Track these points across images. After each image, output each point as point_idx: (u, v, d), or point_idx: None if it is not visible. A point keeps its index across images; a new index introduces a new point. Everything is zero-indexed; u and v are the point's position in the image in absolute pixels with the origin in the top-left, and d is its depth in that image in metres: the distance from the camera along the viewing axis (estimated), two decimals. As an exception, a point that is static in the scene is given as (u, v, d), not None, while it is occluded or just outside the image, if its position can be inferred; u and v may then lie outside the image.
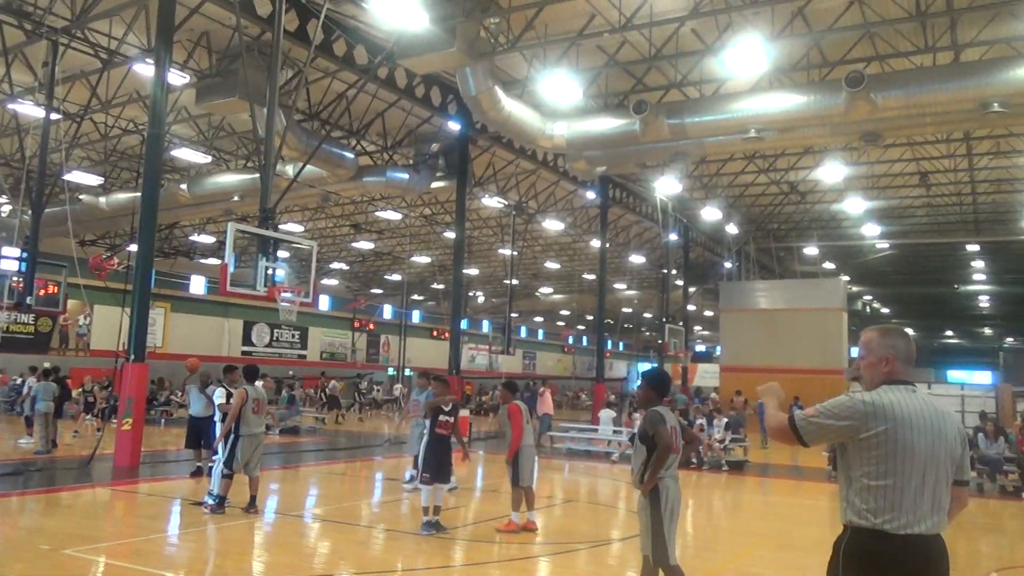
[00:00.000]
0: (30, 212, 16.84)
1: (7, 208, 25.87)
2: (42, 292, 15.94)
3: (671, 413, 5.59)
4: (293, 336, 45.43)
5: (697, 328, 54.48)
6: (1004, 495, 14.82)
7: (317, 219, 33.08)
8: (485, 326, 55.08)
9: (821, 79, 16.94)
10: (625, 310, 51.86)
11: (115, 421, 14.42)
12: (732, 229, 32.85)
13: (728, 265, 36.11)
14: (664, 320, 32.28)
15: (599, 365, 29.98)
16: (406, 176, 22.01)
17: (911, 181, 26.23)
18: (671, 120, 16.53)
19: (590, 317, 56.89)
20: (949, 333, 70.74)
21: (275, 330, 43.99)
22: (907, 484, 2.81)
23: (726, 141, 17.21)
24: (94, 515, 10.22)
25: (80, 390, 24.16)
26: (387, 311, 52.50)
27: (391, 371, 49.49)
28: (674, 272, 34.29)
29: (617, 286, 44.10)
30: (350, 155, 20.51)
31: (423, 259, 40.12)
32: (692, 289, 38.17)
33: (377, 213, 29.83)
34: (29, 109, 17.83)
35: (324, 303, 46.21)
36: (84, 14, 14.81)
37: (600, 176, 25.06)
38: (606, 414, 20.86)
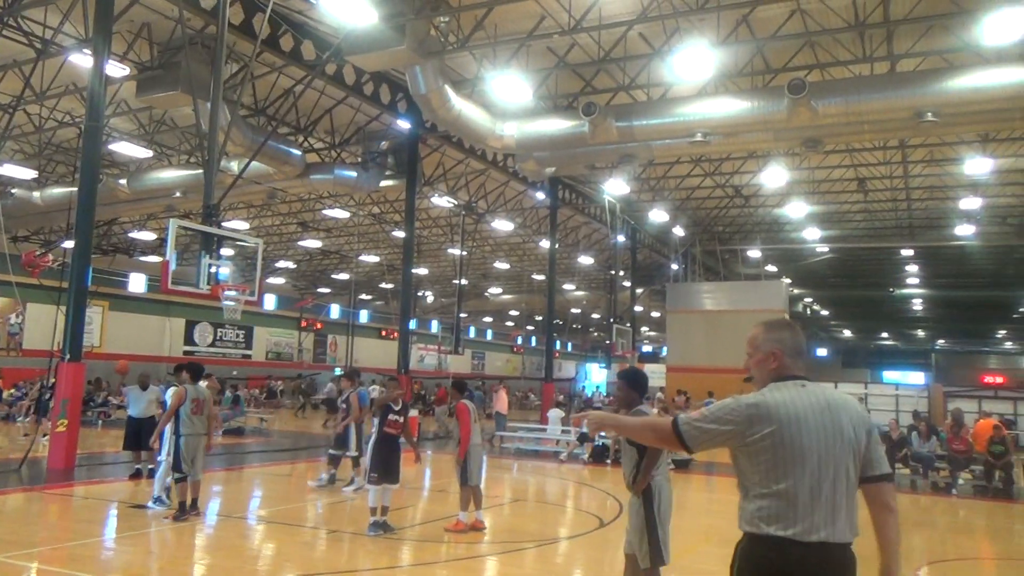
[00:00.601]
0: (-41, 206, 16.19)
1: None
2: (-29, 289, 15.34)
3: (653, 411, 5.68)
4: (238, 336, 44.53)
5: (644, 328, 55.21)
6: (936, 491, 15.37)
7: (263, 217, 32.52)
8: (434, 326, 54.88)
9: (765, 85, 17.34)
10: (574, 310, 52.26)
11: (48, 422, 13.95)
12: (679, 231, 33.39)
13: (675, 267, 36.68)
14: (612, 320, 32.63)
15: (548, 365, 30.14)
16: (354, 174, 21.80)
17: (850, 187, 27.01)
18: (619, 123, 16.71)
19: (539, 317, 57.10)
20: (885, 335, 73.03)
21: (219, 329, 43.07)
22: (799, 488, 2.56)
23: (673, 144, 17.47)
24: (27, 520, 9.87)
25: (11, 392, 23.35)
26: (335, 311, 51.89)
27: (338, 371, 48.91)
28: (622, 273, 34.67)
29: (566, 287, 44.41)
30: (297, 152, 20.22)
31: (372, 258, 39.78)
32: (639, 290, 38.64)
33: (325, 211, 29.47)
34: (-42, 98, 17.16)
35: (270, 302, 45.48)
36: (17, 0, 14.31)
37: (550, 177, 25.20)
38: (555, 413, 21.00)
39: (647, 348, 55.48)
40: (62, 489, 11.53)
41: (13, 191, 23.82)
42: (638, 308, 40.42)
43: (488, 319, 63.43)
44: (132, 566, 7.55)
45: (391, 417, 8.93)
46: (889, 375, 50.91)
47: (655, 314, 48.28)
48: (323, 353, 51.23)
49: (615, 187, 24.78)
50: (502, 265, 41.31)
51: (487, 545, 8.62)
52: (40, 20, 15.33)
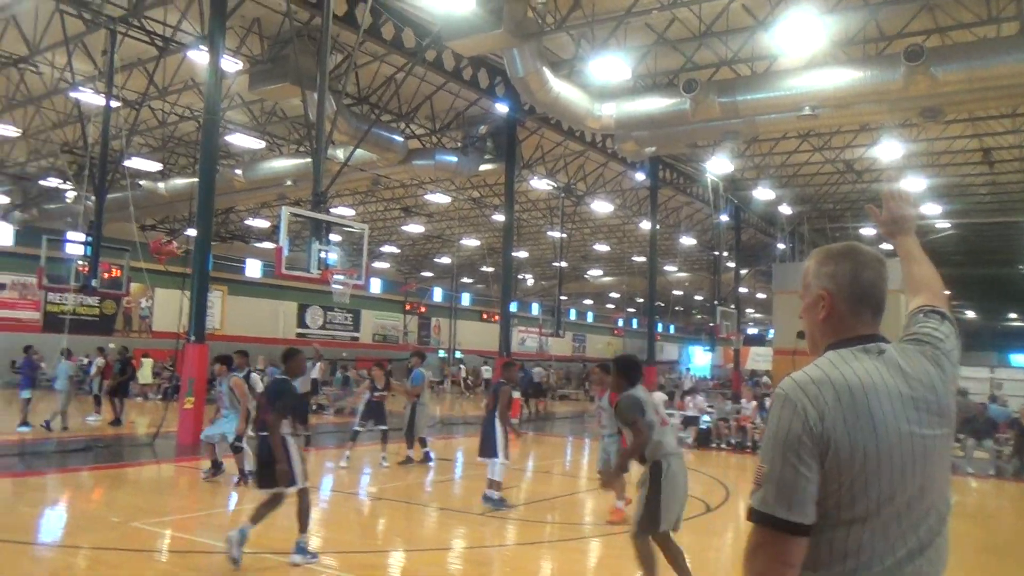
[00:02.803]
0: (94, 198, 17.39)
1: (72, 194, 26.78)
2: (106, 275, 16.51)
3: (648, 393, 5.66)
4: (346, 319, 46.17)
5: (749, 311, 53.72)
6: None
7: (368, 203, 33.45)
8: (535, 309, 55.15)
9: (878, 54, 16.43)
10: (676, 292, 51.37)
11: (177, 400, 14.91)
12: (785, 209, 32.21)
13: (781, 246, 35.46)
14: (716, 302, 31.90)
15: (650, 348, 29.80)
16: (454, 159, 22.11)
17: (973, 158, 25.34)
18: (722, 99, 16.26)
19: (640, 300, 56.48)
20: (1013, 316, 68.36)
21: (329, 313, 44.76)
22: (881, 513, 1.66)
23: (779, 119, 16.86)
24: (159, 490, 10.61)
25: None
26: (437, 294, 52.93)
27: (442, 354, 49.96)
28: (726, 254, 33.82)
29: (668, 268, 43.70)
30: (399, 138, 20.67)
31: (472, 242, 40.29)
32: (744, 271, 37.60)
33: (426, 196, 30.04)
34: (90, 97, 18.37)
35: (376, 286, 46.80)
36: (140, 2, 15.19)
37: (650, 157, 24.79)
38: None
39: (752, 330, 54.03)
40: (190, 462, 12.32)
41: (141, 183, 25.38)
42: (743, 289, 39.37)
43: (588, 301, 63.18)
44: (254, 535, 7.99)
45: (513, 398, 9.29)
46: (1017, 358, 47.73)
47: (761, 295, 46.89)
48: (427, 336, 52.40)
49: (718, 165, 24.13)
50: (602, 247, 41.03)
51: (591, 527, 8.64)
52: (160, 19, 16.23)
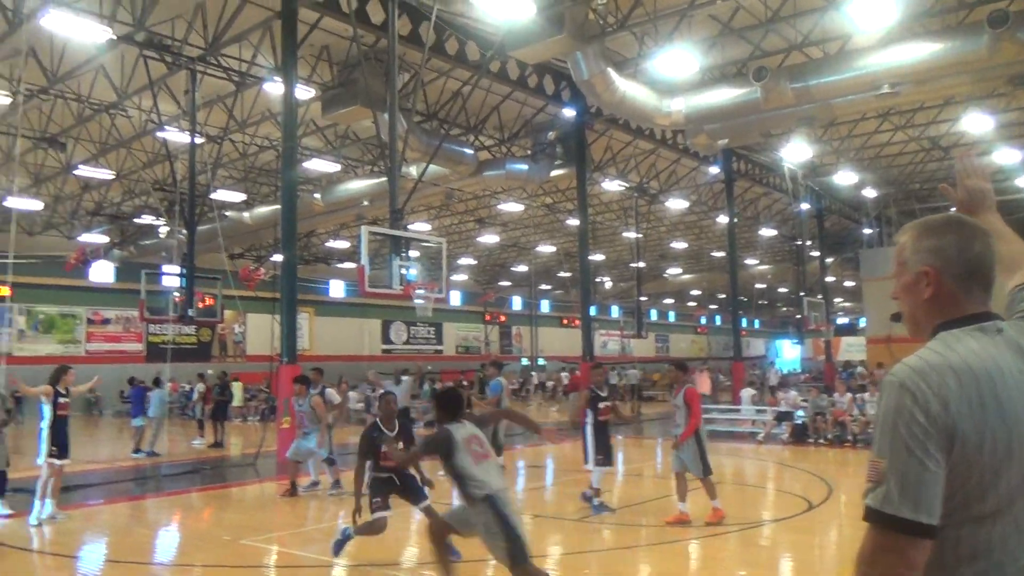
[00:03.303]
0: (185, 231, 18.20)
1: (165, 229, 28.10)
2: (201, 304, 17.24)
3: (466, 427, 5.42)
4: (429, 332, 46.90)
5: (837, 300, 51.91)
6: None
7: (443, 216, 33.92)
8: (614, 311, 54.73)
9: (959, 23, 15.71)
10: (759, 286, 50.13)
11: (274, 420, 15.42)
12: (869, 193, 31.06)
13: (868, 231, 34.19)
14: (802, 294, 30.98)
15: (736, 344, 29.16)
16: (525, 167, 22.21)
17: (1073, 123, 23.91)
18: (795, 84, 15.84)
19: (722, 296, 55.39)
20: None
21: (411, 327, 45.57)
22: (1015, 507, 1.51)
23: (857, 100, 16.32)
24: (264, 507, 10.98)
25: (244, 394, 25.93)
26: (516, 302, 53.17)
27: (524, 361, 50.13)
28: (809, 243, 32.83)
29: (749, 261, 42.74)
30: (469, 151, 20.91)
31: (548, 248, 40.34)
32: (830, 259, 36.41)
33: (499, 206, 30.25)
34: (176, 136, 19.27)
35: (456, 298, 47.38)
36: (216, 41, 15.84)
37: (723, 149, 24.34)
38: (747, 393, 20.33)
39: (843, 320, 52.22)
40: (286, 479, 12.69)
41: (227, 214, 26.43)
42: (829, 278, 38.11)
43: (669, 300, 62.33)
44: (354, 548, 8.19)
45: (601, 404, 9.26)
46: None
47: (849, 284, 45.30)
48: (509, 345, 52.69)
49: (794, 153, 23.49)
50: (680, 244, 40.45)
51: (687, 529, 8.49)
52: (236, 56, 16.90)
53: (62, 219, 30.18)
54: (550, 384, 39.21)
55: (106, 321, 33.62)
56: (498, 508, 5.15)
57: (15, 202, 24.23)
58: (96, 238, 30.99)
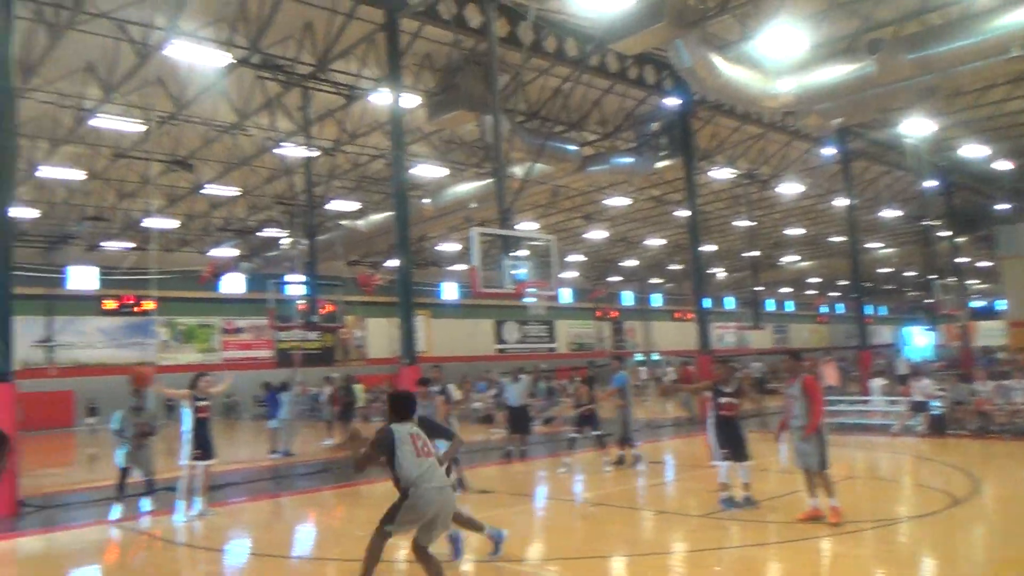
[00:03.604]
0: (306, 241, 19.07)
1: (287, 240, 29.52)
2: (323, 311, 18.02)
3: (407, 427, 6.07)
4: (541, 331, 47.20)
5: (972, 282, 48.65)
6: None
7: (549, 214, 34.03)
8: (729, 303, 53.36)
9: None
10: (883, 270, 47.68)
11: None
12: (1003, 164, 28.94)
13: (1003, 207, 31.85)
14: (932, 276, 29.23)
15: (860, 332, 27.82)
16: (630, 160, 21.98)
17: None
18: (912, 55, 14.97)
19: (844, 282, 52.97)
20: None
21: (524, 326, 45.97)
22: None
23: (983, 67, 15.22)
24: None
25: (366, 395, 26.90)
26: (627, 297, 52.68)
27: (638, 356, 49.62)
28: (937, 222, 30.93)
29: (871, 245, 40.70)
30: (573, 147, 20.89)
31: (657, 241, 39.77)
32: (961, 239, 34.18)
33: (605, 201, 30.07)
34: (292, 151, 20.20)
35: (567, 295, 47.42)
36: (325, 57, 16.51)
37: (837, 129, 23.28)
38: (876, 384, 19.37)
39: (978, 303, 48.86)
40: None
41: (343, 223, 27.47)
42: (962, 259, 35.78)
43: (786, 289, 60.16)
44: (484, 543, 8.36)
45: (724, 400, 9.03)
46: None
47: (984, 264, 42.38)
48: (622, 340, 52.28)
49: (916, 127, 22.19)
50: (795, 231, 38.98)
51: (821, 526, 8.15)
52: (343, 70, 17.55)
53: (195, 236, 32.21)
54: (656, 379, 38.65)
55: (239, 330, 35.66)
56: (407, 497, 5.88)
57: (153, 222, 26.14)
58: (226, 252, 32.94)
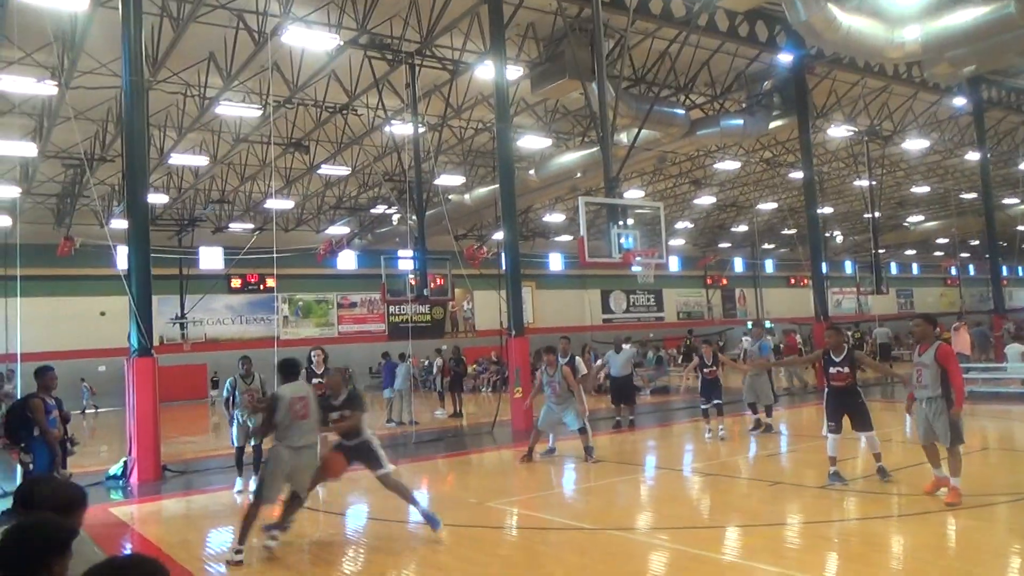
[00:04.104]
0: (415, 217, 19.46)
1: (396, 216, 30.25)
2: (433, 285, 18.36)
3: (295, 387, 6.97)
4: (649, 299, 46.59)
5: None
6: None
7: (656, 182, 33.39)
8: (848, 267, 50.86)
9: None
10: (1021, 228, 44.26)
11: (507, 391, 16.17)
12: None
13: None
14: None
15: (996, 294, 26.08)
16: (740, 122, 21.25)
17: None
18: (1059, -10, 13.70)
19: (975, 243, 49.56)
20: None
21: (631, 296, 45.50)
22: None
23: None
24: (504, 473, 11.57)
25: (473, 367, 27.46)
26: (738, 264, 51.19)
27: (750, 324, 48.23)
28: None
29: (1007, 201, 37.82)
30: (680, 112, 20.37)
31: (769, 205, 38.39)
32: (1113, 190, 31.29)
33: (715, 166, 29.21)
34: (400, 129, 20.59)
35: (674, 264, 46.56)
36: (430, 34, 16.67)
37: (968, 77, 21.65)
38: (1014, 350, 18.10)
39: None
40: (526, 447, 13.25)
41: (450, 197, 27.87)
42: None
43: (911, 252, 56.87)
44: (595, 512, 8.41)
45: (832, 369, 8.64)
46: None
47: None
48: (732, 308, 50.95)
49: (1062, 70, 20.37)
50: (920, 189, 36.70)
51: (935, 500, 7.71)
52: (448, 45, 17.68)
53: (310, 215, 33.49)
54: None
55: (353, 304, 36.97)
56: (271, 453, 6.75)
57: (273, 203, 27.35)
58: (339, 230, 34.13)
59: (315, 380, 10.53)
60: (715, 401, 12.99)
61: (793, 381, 21.27)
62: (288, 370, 7.15)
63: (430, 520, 7.18)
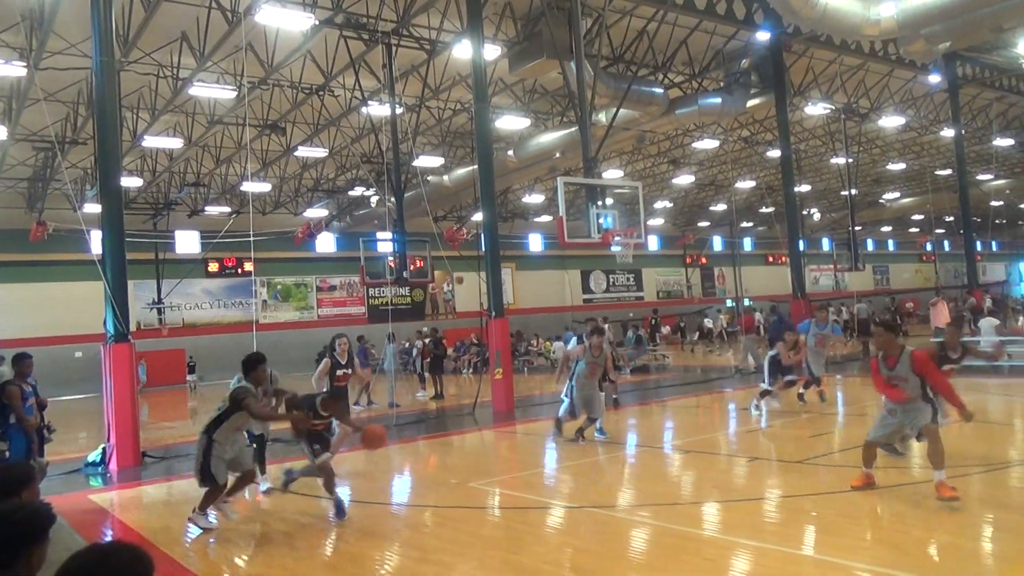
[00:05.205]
0: (393, 199, 19.35)
1: (375, 198, 30.04)
2: (413, 267, 18.31)
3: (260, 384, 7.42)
4: (628, 279, 46.75)
5: (1096, 212, 45.25)
6: None
7: (635, 161, 33.41)
8: (825, 244, 51.28)
9: None
10: (994, 204, 44.82)
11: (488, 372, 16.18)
12: None
13: None
14: (1049, 208, 27.34)
15: (969, 269, 26.47)
16: (719, 100, 21.26)
17: None
18: (1033, -33, 13.79)
19: (950, 218, 50.14)
20: None
21: (611, 276, 45.64)
22: None
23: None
24: (485, 453, 11.63)
25: (451, 351, 27.43)
26: (716, 243, 51.45)
27: (729, 303, 48.58)
28: (1056, 149, 28.78)
29: (981, 177, 38.27)
30: (659, 90, 20.33)
31: (748, 184, 38.56)
32: (1084, 166, 31.74)
33: (694, 145, 29.25)
34: (377, 110, 20.40)
35: (653, 243, 46.70)
36: (406, 13, 16.49)
37: (944, 54, 21.79)
38: (987, 323, 18.37)
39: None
40: (507, 428, 13.33)
41: (429, 178, 27.71)
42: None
43: (887, 228, 57.46)
44: (575, 491, 8.47)
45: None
46: None
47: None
48: (711, 287, 51.25)
49: (1035, 47, 20.55)
50: (896, 166, 37.02)
51: (920, 471, 7.86)
52: (425, 24, 17.50)
53: (287, 197, 33.19)
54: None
55: (332, 288, 36.78)
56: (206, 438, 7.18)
57: (250, 186, 27.05)
58: (317, 212, 33.84)
59: (340, 371, 10.12)
60: (788, 377, 12.67)
61: (747, 362, 20.94)
62: (248, 366, 7.46)
63: (339, 509, 7.45)
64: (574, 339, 12.18)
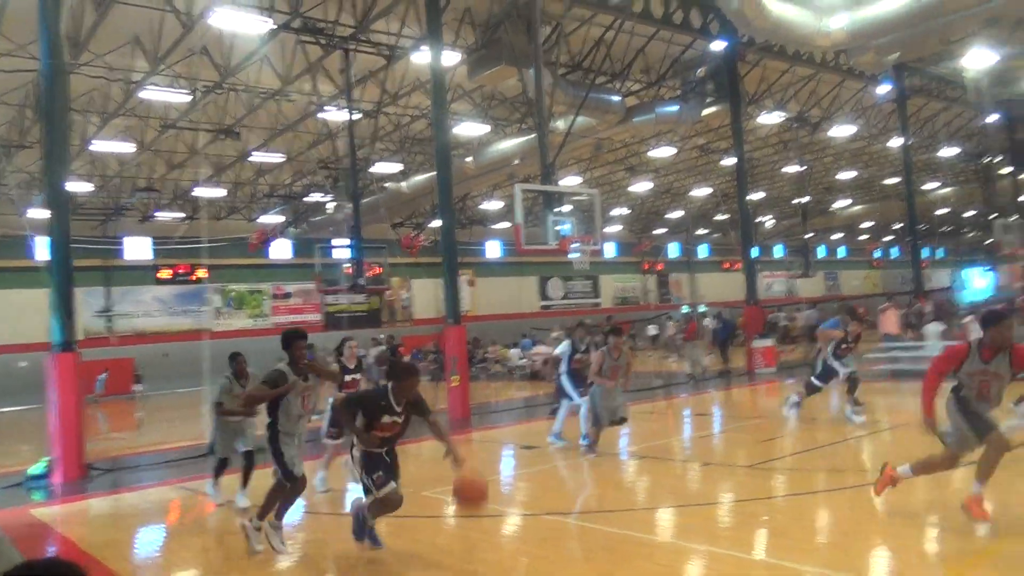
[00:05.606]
0: (350, 205, 19.21)
1: (332, 205, 29.75)
2: (369, 274, 18.21)
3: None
4: (586, 286, 47.01)
5: (1037, 220, 46.75)
6: None
7: (592, 168, 33.61)
8: (778, 251, 52.30)
9: None
10: (940, 212, 46.14)
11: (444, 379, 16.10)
12: (1071, 96, 27.57)
13: (1070, 140, 30.41)
14: (992, 216, 28.23)
15: (915, 276, 27.14)
16: (675, 108, 21.51)
17: None
18: (975, -18, 14.23)
19: (898, 225, 51.47)
20: None
21: (568, 282, 45.82)
22: None
23: (1051, -8, 14.44)
24: (439, 461, 11.47)
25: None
26: (673, 250, 52.04)
27: (685, 309, 49.14)
28: (998, 159, 29.71)
29: (927, 186, 39.38)
30: (616, 98, 20.49)
31: (703, 191, 39.08)
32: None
33: (650, 152, 29.55)
34: (335, 115, 20.22)
35: (610, 250, 47.05)
36: (365, 18, 16.38)
37: (893, 65, 22.37)
38: (933, 328, 18.86)
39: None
40: (464, 435, 13.25)
41: (386, 185, 27.54)
42: (1025, 197, 34.36)
43: (838, 236, 58.76)
44: (534, 498, 8.45)
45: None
46: None
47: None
48: (667, 293, 51.78)
49: (978, 59, 21.18)
50: (847, 174, 37.88)
51: (868, 474, 7.98)
52: (384, 31, 17.40)
53: (242, 203, 32.68)
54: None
55: (287, 295, 36.27)
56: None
57: (203, 191, 26.58)
58: (273, 218, 33.38)
59: (349, 377, 9.19)
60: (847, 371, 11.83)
61: (695, 368, 20.99)
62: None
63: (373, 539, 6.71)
64: (567, 343, 11.92)
